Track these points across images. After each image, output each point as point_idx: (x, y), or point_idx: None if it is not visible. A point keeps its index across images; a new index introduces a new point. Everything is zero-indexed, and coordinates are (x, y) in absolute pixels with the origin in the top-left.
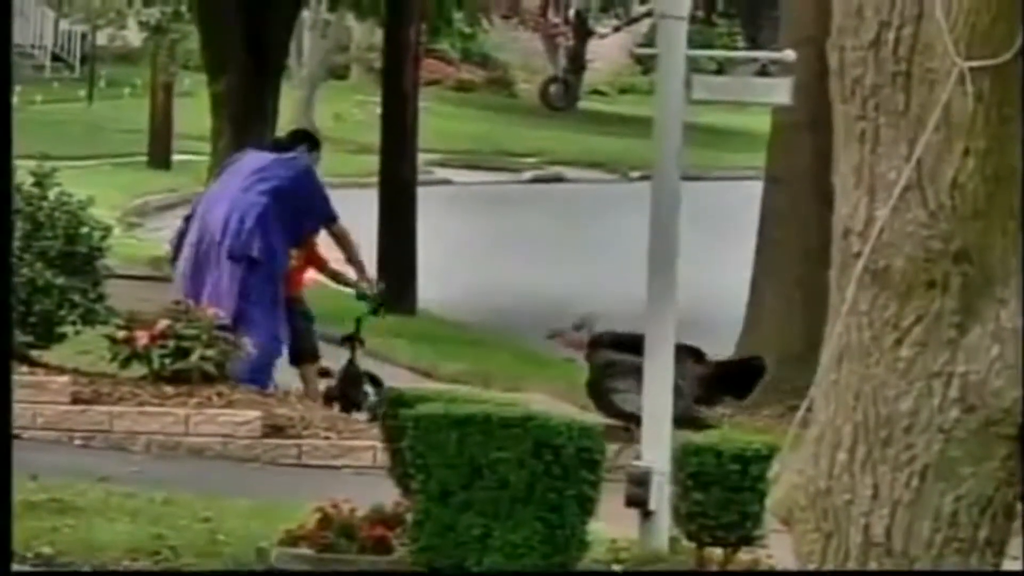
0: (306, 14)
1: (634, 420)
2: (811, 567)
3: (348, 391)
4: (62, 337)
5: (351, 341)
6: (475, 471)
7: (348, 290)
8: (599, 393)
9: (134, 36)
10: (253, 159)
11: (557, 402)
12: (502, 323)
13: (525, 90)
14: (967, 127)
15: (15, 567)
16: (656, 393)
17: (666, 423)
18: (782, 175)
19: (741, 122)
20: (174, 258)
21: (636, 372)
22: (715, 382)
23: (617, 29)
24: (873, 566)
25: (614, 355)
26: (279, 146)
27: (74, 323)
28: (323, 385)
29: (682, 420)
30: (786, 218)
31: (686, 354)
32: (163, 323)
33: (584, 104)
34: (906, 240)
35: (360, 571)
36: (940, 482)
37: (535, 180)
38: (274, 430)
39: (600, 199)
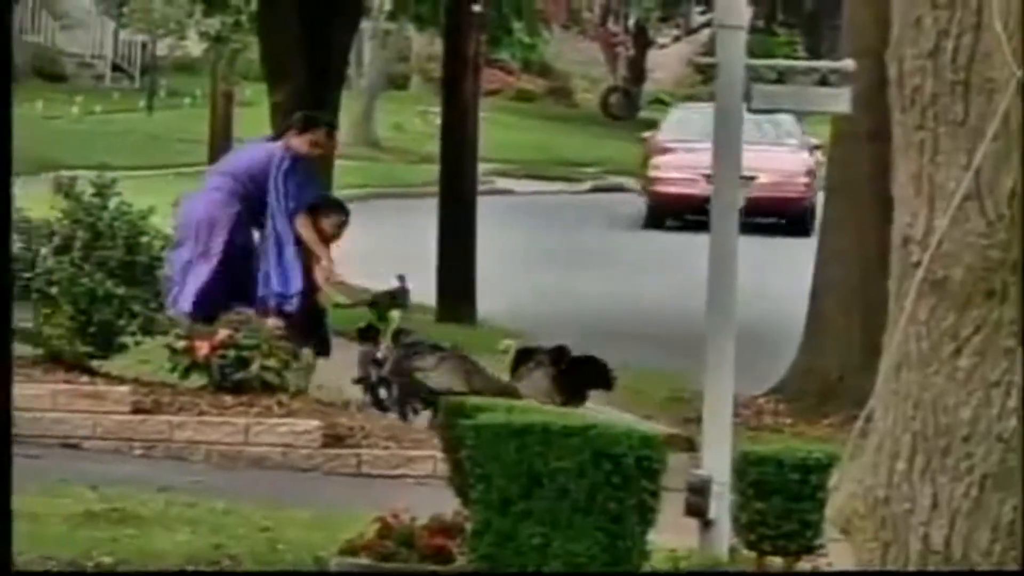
0: (366, 24)
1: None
2: None
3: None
4: (122, 347)
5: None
6: (535, 480)
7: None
8: (404, 372)
9: (194, 46)
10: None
11: (618, 411)
12: (561, 333)
13: (585, 100)
14: None
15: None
16: (716, 404)
17: (726, 433)
18: (842, 184)
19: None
20: None
21: (433, 350)
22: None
23: (677, 39)
24: None
25: (416, 339)
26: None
27: (134, 333)
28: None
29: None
30: (846, 227)
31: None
32: (223, 333)
33: (645, 114)
34: (965, 250)
35: None
36: (999, 491)
37: (595, 190)
38: (334, 440)
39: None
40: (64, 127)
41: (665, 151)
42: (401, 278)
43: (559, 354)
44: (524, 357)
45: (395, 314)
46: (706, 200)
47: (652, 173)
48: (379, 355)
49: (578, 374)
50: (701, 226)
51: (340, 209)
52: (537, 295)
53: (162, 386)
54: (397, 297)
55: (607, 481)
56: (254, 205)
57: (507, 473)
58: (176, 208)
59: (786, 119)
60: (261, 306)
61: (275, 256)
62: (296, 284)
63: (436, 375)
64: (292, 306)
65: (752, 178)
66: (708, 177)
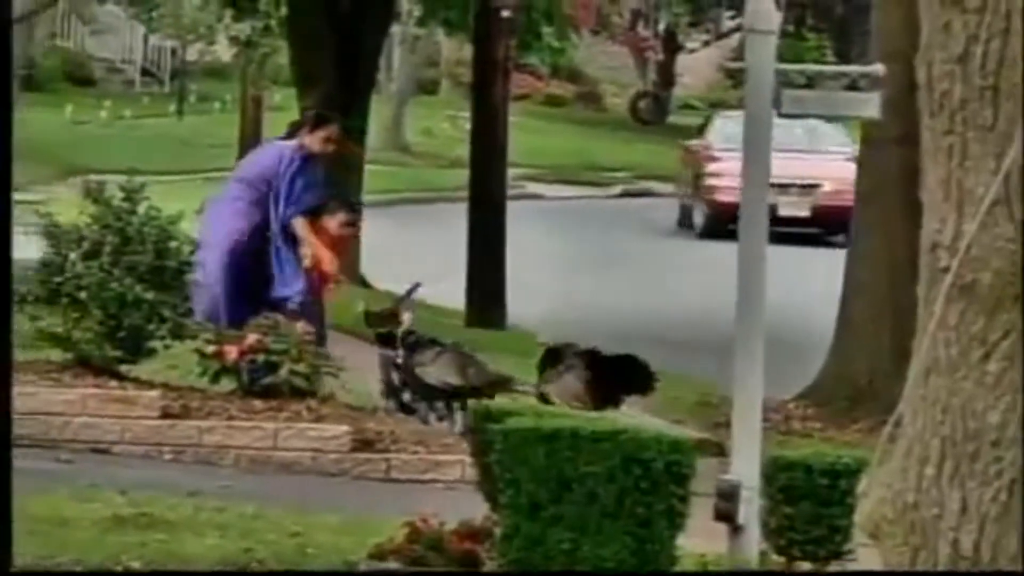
0: (396, 29)
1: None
2: None
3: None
4: (151, 352)
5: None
6: (564, 485)
7: None
8: (408, 369)
9: (224, 51)
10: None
11: (648, 416)
12: (590, 337)
13: (615, 104)
14: None
15: None
16: (745, 409)
17: (756, 438)
18: (871, 189)
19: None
20: None
21: (431, 345)
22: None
23: (707, 43)
24: None
25: (419, 337)
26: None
27: (163, 337)
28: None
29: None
30: (875, 232)
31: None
32: (252, 337)
33: (674, 118)
34: (994, 255)
35: None
36: None
37: (625, 195)
38: (363, 444)
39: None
40: (93, 132)
41: (718, 159)
42: (414, 287)
43: (591, 357)
44: (553, 358)
45: (406, 316)
46: (773, 208)
47: (711, 181)
48: (398, 359)
49: (613, 377)
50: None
51: (348, 207)
52: (566, 299)
53: (191, 391)
54: (402, 301)
55: (636, 486)
56: (271, 208)
57: (536, 478)
58: (200, 214)
59: (833, 127)
60: (270, 308)
61: (275, 257)
62: (295, 285)
63: (433, 369)
64: (294, 305)
65: (816, 186)
66: (775, 186)
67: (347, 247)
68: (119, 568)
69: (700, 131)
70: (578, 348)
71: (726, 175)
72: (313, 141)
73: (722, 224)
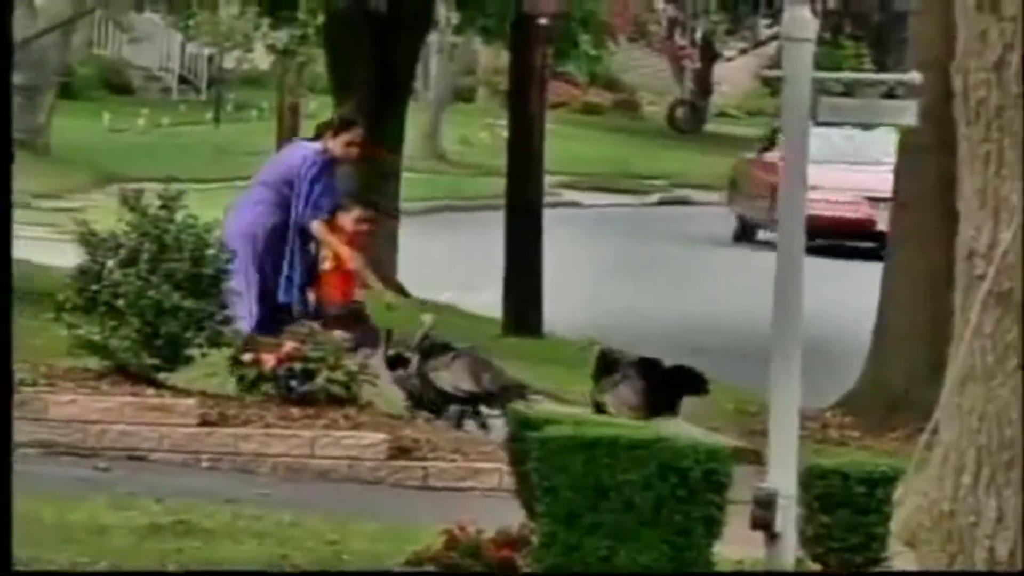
0: (433, 37)
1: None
2: None
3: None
4: (189, 359)
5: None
6: (601, 493)
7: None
8: (423, 374)
9: (261, 59)
10: None
11: (686, 424)
12: (629, 346)
13: (652, 112)
14: None
15: None
16: (782, 417)
17: (793, 446)
18: (908, 197)
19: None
20: None
21: (445, 350)
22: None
23: (744, 51)
24: None
25: (433, 341)
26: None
27: (201, 345)
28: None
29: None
30: (912, 240)
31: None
32: (289, 345)
33: (711, 127)
34: None
35: None
36: None
37: (662, 203)
38: (400, 452)
39: (727, 222)
40: (131, 139)
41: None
42: (424, 333)
43: (646, 366)
44: (609, 366)
45: (427, 318)
46: (872, 223)
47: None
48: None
49: (667, 387)
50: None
51: (362, 204)
52: (603, 307)
53: (228, 399)
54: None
55: (673, 494)
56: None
57: (573, 486)
58: (224, 219)
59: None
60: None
61: (287, 261)
62: (294, 293)
63: (447, 375)
64: (337, 311)
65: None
66: (874, 200)
67: (364, 244)
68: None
69: (768, 144)
70: (633, 357)
71: (817, 188)
72: (336, 145)
73: (811, 239)
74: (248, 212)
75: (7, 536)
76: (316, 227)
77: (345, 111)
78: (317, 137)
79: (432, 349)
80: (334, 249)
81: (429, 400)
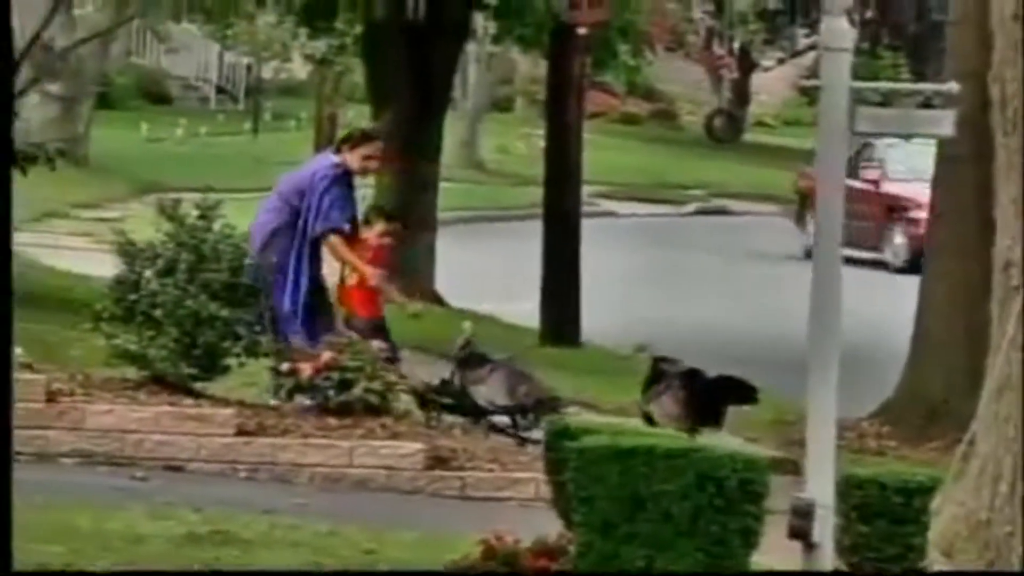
0: (471, 47)
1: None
2: None
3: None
4: (226, 369)
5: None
6: (638, 503)
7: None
8: (461, 387)
9: (299, 69)
10: None
11: (724, 434)
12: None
13: (690, 122)
14: None
15: None
16: (819, 427)
17: (830, 456)
18: (945, 207)
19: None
20: None
21: (483, 362)
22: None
23: (782, 61)
24: None
25: (471, 351)
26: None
27: (239, 355)
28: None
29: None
30: (950, 250)
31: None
32: (327, 355)
33: (749, 136)
34: None
35: None
36: None
37: (699, 212)
38: (437, 462)
39: (765, 232)
40: (169, 149)
41: (904, 192)
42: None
43: (690, 377)
44: (657, 375)
45: (466, 325)
46: None
47: (913, 214)
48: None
49: (712, 397)
50: None
51: (384, 216)
52: (641, 317)
53: (266, 408)
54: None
55: (710, 504)
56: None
57: (610, 496)
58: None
59: None
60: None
61: (291, 272)
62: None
63: (484, 388)
64: (362, 325)
65: None
66: None
67: (388, 259)
68: None
69: (860, 159)
70: (681, 367)
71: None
72: (353, 158)
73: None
74: (259, 219)
75: (7, 536)
76: (334, 241)
77: (382, 121)
78: (339, 150)
79: (470, 360)
80: (353, 265)
81: (466, 410)
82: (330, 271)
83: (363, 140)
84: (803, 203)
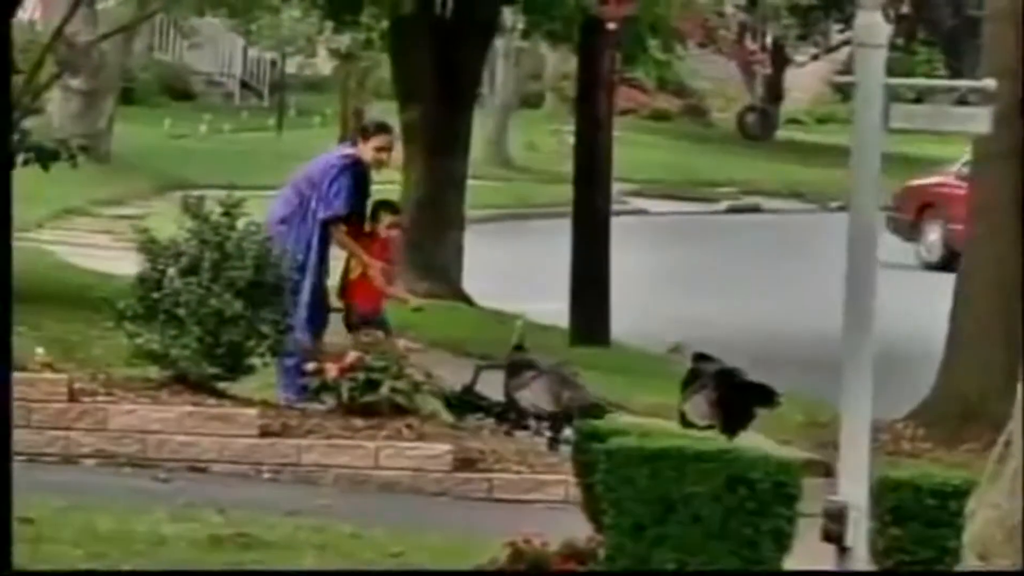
0: (499, 42)
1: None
2: None
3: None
4: (250, 369)
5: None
6: (668, 506)
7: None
8: (508, 394)
9: (324, 64)
10: None
11: (754, 435)
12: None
13: (721, 119)
14: None
15: None
16: (853, 429)
17: (864, 459)
18: (981, 205)
19: (938, 152)
20: None
21: (528, 368)
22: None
23: (815, 57)
24: None
25: (520, 356)
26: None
27: (263, 354)
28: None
29: None
30: (986, 248)
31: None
32: (352, 355)
33: (782, 133)
34: None
35: None
36: None
37: (731, 210)
38: (465, 464)
39: (798, 229)
40: (192, 145)
41: None
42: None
43: (723, 377)
44: (695, 374)
45: (519, 323)
46: None
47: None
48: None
49: (742, 399)
50: None
51: (391, 209)
52: (671, 316)
53: (290, 409)
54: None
55: (742, 507)
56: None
57: (640, 498)
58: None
59: None
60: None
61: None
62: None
63: (528, 394)
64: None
65: None
66: None
67: (394, 252)
68: None
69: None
70: (719, 367)
71: None
72: (365, 150)
73: None
74: (272, 206)
75: (7, 536)
76: (335, 231)
77: (410, 117)
78: (355, 142)
79: (517, 365)
80: (356, 255)
81: (513, 416)
82: (334, 265)
83: (376, 131)
84: (919, 212)
